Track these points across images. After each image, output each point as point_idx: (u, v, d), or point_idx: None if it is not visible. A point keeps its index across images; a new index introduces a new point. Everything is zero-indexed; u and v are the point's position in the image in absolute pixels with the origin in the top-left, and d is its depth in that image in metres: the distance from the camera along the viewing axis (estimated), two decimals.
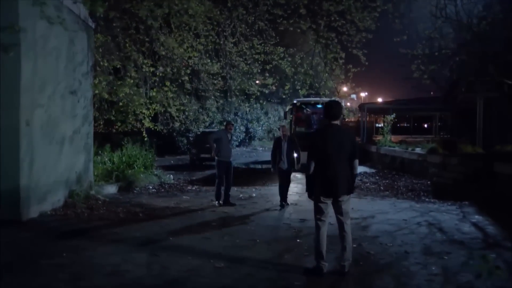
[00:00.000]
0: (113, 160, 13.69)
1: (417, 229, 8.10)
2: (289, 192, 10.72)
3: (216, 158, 10.58)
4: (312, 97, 21.77)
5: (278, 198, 10.52)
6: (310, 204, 9.87)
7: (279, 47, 15.46)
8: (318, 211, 5.55)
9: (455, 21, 12.43)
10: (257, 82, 18.58)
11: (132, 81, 13.11)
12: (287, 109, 23.01)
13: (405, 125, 32.76)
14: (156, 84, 14.91)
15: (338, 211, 5.55)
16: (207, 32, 13.88)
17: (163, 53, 13.53)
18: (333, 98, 20.26)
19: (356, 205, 9.72)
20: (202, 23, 13.13)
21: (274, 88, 18.23)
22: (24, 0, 7.77)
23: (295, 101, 20.56)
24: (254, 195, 12.26)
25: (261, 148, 35.20)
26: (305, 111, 20.28)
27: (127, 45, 13.01)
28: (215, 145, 10.51)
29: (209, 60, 15.17)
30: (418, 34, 12.97)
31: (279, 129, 13.05)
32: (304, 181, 13.61)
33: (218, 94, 18.78)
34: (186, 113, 20.24)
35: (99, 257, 6.13)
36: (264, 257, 6.24)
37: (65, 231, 7.63)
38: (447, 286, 5.18)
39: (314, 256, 5.52)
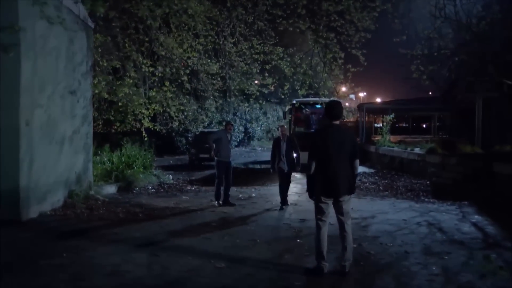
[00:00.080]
0: (112, 160, 13.68)
1: (417, 229, 8.10)
2: (289, 192, 10.70)
3: (215, 158, 10.58)
4: (311, 97, 21.75)
5: (277, 198, 10.52)
6: (309, 204, 9.88)
7: (278, 47, 15.47)
8: (319, 211, 5.55)
9: (454, 21, 12.43)
10: (256, 82, 18.60)
11: (131, 81, 13.11)
12: (286, 109, 23.01)
13: (404, 125, 32.81)
14: (155, 84, 14.91)
15: (339, 211, 5.55)
16: (206, 32, 13.90)
17: (163, 53, 13.54)
18: (332, 98, 20.30)
19: (355, 205, 9.71)
20: (202, 23, 13.15)
21: (272, 88, 18.22)
22: (24, 0, 7.76)
23: (294, 101, 20.56)
24: (253, 195, 12.25)
25: (260, 148, 35.20)
26: (304, 111, 20.28)
27: (126, 45, 13.01)
28: (214, 145, 10.50)
29: (209, 60, 15.17)
30: (417, 34, 12.97)
31: (278, 129, 13.03)
32: (303, 181, 13.70)
33: (217, 94, 18.78)
34: (185, 113, 20.24)
35: (99, 257, 6.12)
36: (265, 257, 6.24)
37: (65, 231, 7.62)
38: (448, 286, 5.17)
39: (315, 256, 5.53)
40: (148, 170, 14.48)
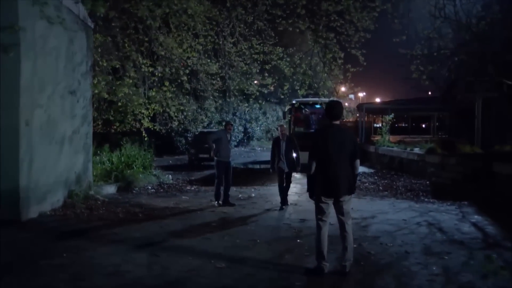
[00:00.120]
0: (112, 160, 13.67)
1: (417, 229, 8.11)
2: (289, 192, 10.67)
3: (215, 158, 10.57)
4: (311, 98, 21.75)
5: (277, 198, 10.51)
6: (309, 204, 9.89)
7: (278, 47, 15.47)
8: (319, 211, 5.55)
9: (454, 21, 12.43)
10: (255, 82, 18.60)
11: (131, 81, 13.11)
12: (286, 109, 23.01)
13: (403, 125, 32.80)
14: (155, 84, 14.91)
15: (339, 211, 5.55)
16: (206, 32, 13.90)
17: (162, 53, 13.54)
18: (331, 98, 20.31)
19: (355, 205, 9.70)
20: (201, 23, 13.15)
21: (272, 88, 18.23)
22: (23, 0, 7.75)
23: (294, 101, 20.55)
24: (253, 195, 12.25)
25: (259, 148, 35.19)
26: (303, 111, 20.28)
27: (126, 45, 13.00)
28: (214, 145, 10.50)
29: (208, 60, 15.18)
30: (417, 34, 12.98)
31: (277, 129, 13.01)
32: (303, 181, 13.69)
33: (217, 94, 18.79)
34: (185, 113, 20.23)
35: (99, 258, 6.12)
36: (265, 257, 6.24)
37: (65, 231, 7.62)
38: (448, 286, 5.17)
39: (315, 256, 5.53)
40: (147, 170, 14.48)
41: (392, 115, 21.96)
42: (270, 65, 15.91)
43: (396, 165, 18.07)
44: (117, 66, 13.44)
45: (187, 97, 22.58)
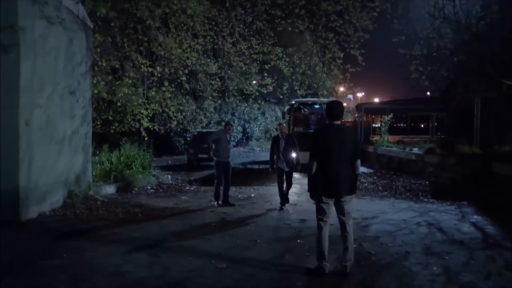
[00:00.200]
0: (111, 161, 13.64)
1: (417, 229, 8.11)
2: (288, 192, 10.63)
3: (214, 158, 10.55)
4: (310, 98, 21.76)
5: (277, 198, 10.50)
6: (309, 204, 9.94)
7: (277, 47, 15.46)
8: (320, 212, 5.54)
9: (453, 21, 12.43)
10: (254, 82, 18.60)
11: (130, 81, 13.10)
12: (285, 110, 23.01)
13: (402, 125, 32.82)
14: (154, 84, 14.90)
15: (340, 211, 5.55)
16: (205, 32, 13.89)
17: (162, 53, 13.53)
18: (330, 98, 20.32)
19: (355, 205, 9.60)
20: (200, 23, 13.14)
21: (271, 88, 18.22)
22: (23, 0, 7.74)
23: (293, 102, 20.55)
24: (252, 195, 12.24)
25: (258, 148, 35.18)
26: (303, 111, 20.29)
27: (125, 45, 12.99)
28: (213, 145, 10.48)
29: (208, 60, 15.17)
30: (417, 35, 12.97)
31: (276, 129, 13.00)
32: (302, 181, 13.69)
33: (216, 94, 18.77)
34: (184, 113, 20.23)
35: (100, 258, 6.11)
36: (265, 258, 6.23)
37: (65, 231, 7.62)
38: (449, 286, 5.18)
39: (316, 256, 5.53)
40: (147, 170, 14.46)
41: (391, 115, 21.97)
42: (270, 65, 15.90)
43: (395, 165, 18.08)
44: (117, 66, 13.43)
45: (187, 97, 22.58)
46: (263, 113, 38.37)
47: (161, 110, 15.30)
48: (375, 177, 16.31)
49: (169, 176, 15.61)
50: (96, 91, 11.95)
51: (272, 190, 12.81)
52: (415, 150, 16.77)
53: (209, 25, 13.84)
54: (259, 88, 17.41)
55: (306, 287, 5.23)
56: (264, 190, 13.24)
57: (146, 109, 14.07)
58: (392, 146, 19.74)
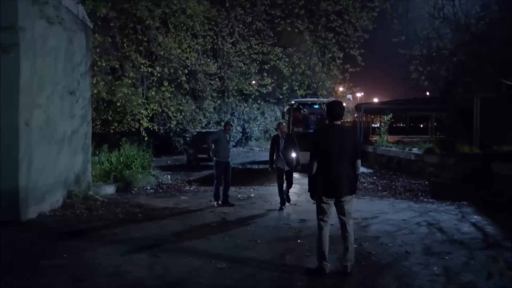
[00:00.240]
0: (111, 161, 13.64)
1: (417, 229, 8.11)
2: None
3: (214, 158, 10.55)
4: (310, 98, 21.78)
5: (276, 198, 10.50)
6: (309, 204, 9.94)
7: (276, 47, 15.45)
8: (321, 212, 5.54)
9: (453, 21, 12.43)
10: (253, 82, 18.58)
11: (129, 81, 13.09)
12: (285, 110, 23.03)
13: (401, 125, 32.84)
14: (153, 84, 14.89)
15: (341, 211, 5.55)
16: (204, 32, 13.88)
17: (161, 53, 13.52)
18: (330, 98, 20.32)
19: (355, 205, 9.70)
20: (200, 23, 13.13)
21: (270, 88, 18.21)
22: (23, 0, 7.73)
23: (292, 102, 20.57)
24: (252, 195, 12.24)
25: (257, 148, 35.17)
26: (302, 111, 20.30)
27: (125, 45, 12.98)
28: (213, 145, 10.47)
29: (208, 60, 15.16)
30: (416, 35, 12.96)
31: (275, 129, 12.99)
32: (301, 181, 13.69)
33: (215, 94, 18.77)
34: (183, 114, 20.22)
35: (100, 258, 6.11)
36: (265, 258, 6.24)
37: (65, 231, 7.62)
38: (449, 287, 5.18)
39: (317, 256, 5.52)
40: (146, 170, 14.46)
41: (390, 115, 21.97)
42: (269, 65, 15.89)
43: (394, 165, 18.07)
44: (116, 66, 13.42)
45: (186, 97, 22.57)
46: (263, 113, 38.37)
47: (160, 110, 15.29)
48: (375, 177, 16.31)
49: (169, 176, 15.61)
50: (95, 91, 11.94)
51: (271, 190, 12.81)
52: (415, 150, 16.76)
53: (209, 25, 13.83)
54: (259, 88, 17.40)
55: (306, 287, 5.23)
56: (263, 190, 13.24)
57: (146, 109, 14.06)
58: (391, 146, 19.74)
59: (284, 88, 16.98)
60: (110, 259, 6.05)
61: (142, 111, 13.85)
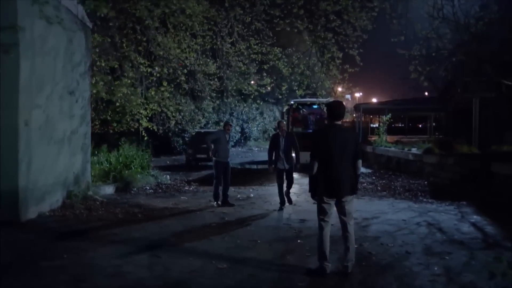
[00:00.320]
0: (110, 161, 13.61)
1: (417, 229, 8.11)
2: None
3: (214, 158, 10.54)
4: (309, 98, 21.78)
5: (276, 198, 10.50)
6: (308, 204, 9.95)
7: (275, 47, 15.44)
8: (321, 212, 5.54)
9: (452, 21, 12.43)
10: (252, 82, 18.57)
11: (129, 81, 13.08)
12: (284, 110, 23.03)
13: (400, 125, 32.86)
14: (153, 84, 14.88)
15: (342, 211, 5.54)
16: (204, 32, 13.87)
17: (160, 53, 13.50)
18: (329, 99, 20.32)
19: (354, 205, 9.70)
20: (199, 23, 13.12)
21: (269, 88, 18.20)
22: (23, 0, 7.72)
23: (292, 102, 20.58)
24: (252, 195, 12.23)
25: (256, 149, 35.17)
26: (301, 111, 20.32)
27: (124, 45, 12.97)
28: (212, 145, 10.46)
29: (208, 60, 15.15)
30: (415, 35, 12.96)
31: (274, 129, 12.98)
32: (300, 181, 13.70)
33: (215, 94, 18.77)
34: (182, 114, 20.21)
35: (100, 258, 6.10)
36: (266, 258, 6.23)
37: (65, 232, 7.60)
38: (450, 287, 5.18)
39: (317, 256, 5.52)
40: (145, 170, 14.44)
41: (389, 115, 21.99)
42: (268, 65, 15.89)
43: (393, 165, 18.08)
44: (116, 66, 13.40)
45: (185, 97, 22.55)
46: (261, 113, 38.36)
47: (160, 110, 15.28)
48: (374, 177, 16.32)
49: (168, 176, 15.60)
50: (95, 91, 11.92)
51: (271, 190, 12.81)
52: (414, 150, 16.77)
53: (208, 25, 13.82)
54: (258, 88, 17.41)
55: (307, 287, 5.23)
56: (263, 190, 13.23)
57: (145, 109, 14.05)
58: (390, 146, 19.76)
59: (283, 88, 16.96)
60: (110, 259, 6.04)
61: (141, 111, 13.84)
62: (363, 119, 27.18)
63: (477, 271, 5.64)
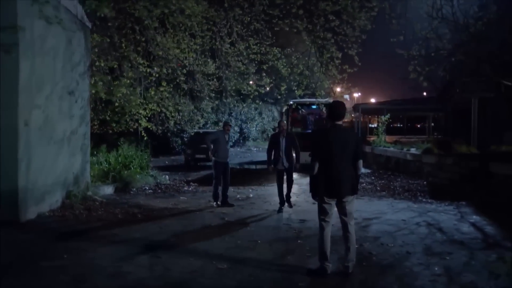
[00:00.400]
0: (109, 161, 13.59)
1: (417, 229, 8.12)
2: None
3: (213, 158, 10.53)
4: (308, 98, 21.81)
5: (275, 198, 10.47)
6: (308, 205, 9.97)
7: (274, 47, 15.44)
8: (322, 212, 5.53)
9: (451, 21, 12.45)
10: (251, 82, 18.57)
11: (128, 81, 13.06)
12: (283, 110, 23.06)
13: (398, 125, 32.91)
14: (152, 84, 14.87)
15: (342, 211, 5.54)
16: (203, 33, 13.86)
17: (160, 53, 13.49)
18: (328, 99, 20.35)
19: (355, 206, 9.70)
20: (198, 23, 13.10)
21: (268, 88, 18.20)
22: (22, 0, 7.71)
23: (291, 102, 20.60)
24: (251, 195, 12.22)
25: (255, 149, 35.16)
26: (301, 111, 20.34)
27: (123, 45, 12.96)
28: (212, 145, 10.45)
29: (207, 60, 15.14)
30: (414, 35, 12.97)
31: (273, 129, 12.96)
32: (300, 181, 13.71)
33: (214, 95, 18.76)
34: (181, 114, 20.20)
35: (100, 259, 6.09)
36: (266, 258, 6.23)
37: (64, 232, 7.59)
38: (451, 287, 5.18)
39: (318, 257, 5.51)
40: (144, 170, 14.41)
41: (388, 115, 22.01)
42: (267, 65, 15.88)
43: (392, 165, 18.09)
44: (115, 66, 13.39)
45: (185, 97, 22.53)
46: (260, 113, 38.36)
47: (159, 110, 15.27)
48: (373, 177, 16.33)
49: (167, 176, 15.59)
50: (94, 91, 11.91)
51: (270, 190, 12.82)
52: (413, 150, 16.78)
53: (207, 25, 13.80)
54: (257, 88, 17.40)
55: (308, 287, 5.22)
56: (262, 191, 13.23)
57: (144, 109, 14.04)
58: (389, 146, 19.77)
59: (282, 88, 16.96)
60: (111, 259, 6.03)
61: (140, 111, 13.83)
62: (362, 119, 27.21)
63: (477, 271, 5.65)
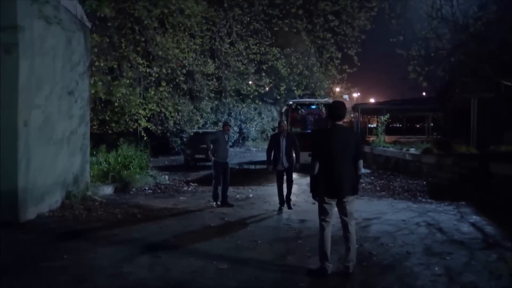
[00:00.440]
0: (109, 161, 13.58)
1: (417, 229, 8.12)
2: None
3: (213, 158, 10.52)
4: (307, 98, 21.81)
5: (275, 198, 10.48)
6: (307, 205, 9.97)
7: (274, 47, 15.44)
8: (323, 212, 5.53)
9: (451, 21, 12.46)
10: (250, 82, 18.56)
11: (127, 81, 13.05)
12: (283, 110, 23.07)
13: (398, 125, 32.95)
14: (151, 84, 14.86)
15: (343, 211, 5.54)
16: (202, 33, 13.85)
17: (159, 53, 13.48)
18: (327, 99, 20.35)
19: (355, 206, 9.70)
20: (198, 24, 13.09)
21: (267, 89, 18.19)
22: (22, 0, 7.70)
23: (290, 102, 20.60)
24: (251, 195, 12.21)
25: (254, 149, 35.14)
26: (300, 111, 20.34)
27: (123, 45, 12.95)
28: (211, 145, 10.44)
29: (206, 60, 15.13)
30: (414, 35, 12.98)
31: (273, 129, 12.96)
32: (299, 181, 13.70)
33: (213, 95, 18.75)
34: (180, 114, 20.21)
35: (100, 259, 6.09)
36: (267, 258, 6.22)
37: (64, 232, 7.58)
38: (451, 287, 5.18)
39: (318, 257, 5.50)
40: (144, 170, 14.40)
41: (387, 116, 22.01)
42: (267, 65, 15.88)
43: (392, 165, 18.09)
44: (114, 66, 13.38)
45: (185, 97, 22.53)
46: (260, 114, 38.36)
47: (158, 110, 15.27)
48: (373, 177, 16.33)
49: (166, 176, 15.58)
50: (93, 91, 11.90)
51: (270, 190, 12.81)
52: (412, 150, 16.78)
53: (207, 25, 13.79)
54: (257, 88, 17.40)
55: (308, 287, 5.22)
56: (262, 191, 13.22)
57: (144, 109, 14.03)
58: (388, 146, 19.77)
59: (282, 88, 16.96)
60: (111, 260, 6.03)
61: (140, 111, 13.82)
62: (361, 119, 27.21)
63: (478, 271, 5.65)
